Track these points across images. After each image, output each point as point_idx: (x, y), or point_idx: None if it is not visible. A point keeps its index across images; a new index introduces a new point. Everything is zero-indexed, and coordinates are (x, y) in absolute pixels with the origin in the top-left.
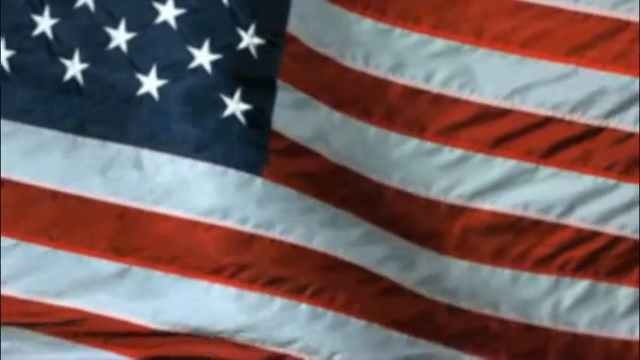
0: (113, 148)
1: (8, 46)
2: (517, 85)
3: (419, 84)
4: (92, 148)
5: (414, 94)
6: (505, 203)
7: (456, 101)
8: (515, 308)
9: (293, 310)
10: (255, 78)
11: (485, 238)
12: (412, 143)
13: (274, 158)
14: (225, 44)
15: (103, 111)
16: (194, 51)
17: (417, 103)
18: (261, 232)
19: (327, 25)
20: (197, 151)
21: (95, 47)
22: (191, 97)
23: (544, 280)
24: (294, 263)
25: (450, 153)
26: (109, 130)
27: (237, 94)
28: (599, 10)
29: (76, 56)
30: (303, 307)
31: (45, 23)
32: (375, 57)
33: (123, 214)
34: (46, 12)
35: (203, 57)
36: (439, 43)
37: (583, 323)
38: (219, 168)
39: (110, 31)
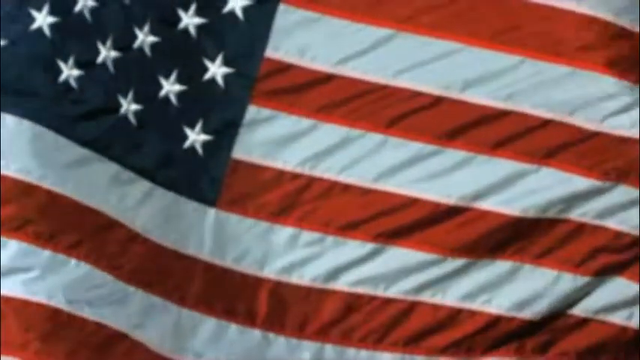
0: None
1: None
2: (516, 88)
3: (418, 87)
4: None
5: (415, 97)
6: (505, 204)
7: (456, 103)
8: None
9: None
10: (221, 107)
11: (484, 237)
12: (413, 147)
13: (231, 186)
14: (190, 75)
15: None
16: (163, 81)
17: (419, 107)
18: (215, 260)
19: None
20: (164, 179)
21: (86, 58)
22: (158, 127)
23: (546, 274)
24: (246, 293)
25: (453, 155)
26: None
27: (199, 125)
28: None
29: (70, 61)
30: (257, 333)
31: (42, 20)
32: (376, 63)
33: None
34: (45, 9)
35: (170, 87)
36: (439, 45)
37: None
38: (174, 196)
39: (100, 46)
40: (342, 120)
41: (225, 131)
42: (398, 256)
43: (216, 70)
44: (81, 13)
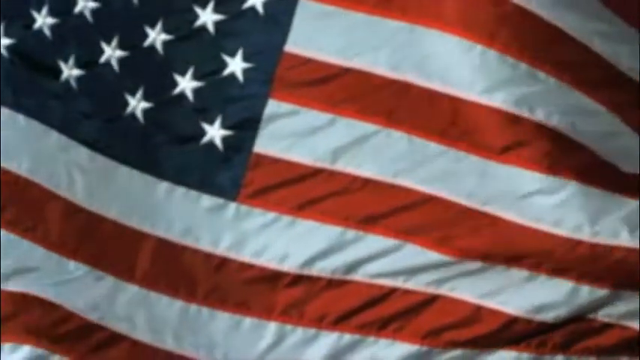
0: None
1: (7, 35)
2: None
3: (437, 87)
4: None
5: (434, 97)
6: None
7: (469, 105)
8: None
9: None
10: (240, 102)
11: (498, 245)
12: (430, 145)
13: (252, 180)
14: (208, 72)
15: (93, 124)
16: (178, 78)
17: (438, 106)
18: (232, 255)
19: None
20: (175, 175)
21: (88, 59)
22: (172, 124)
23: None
24: (263, 287)
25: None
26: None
27: (218, 121)
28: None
29: (71, 61)
30: (272, 325)
31: (42, 21)
32: (397, 62)
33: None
34: (44, 10)
35: (186, 84)
36: (457, 43)
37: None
38: (194, 193)
39: (104, 46)
40: (360, 114)
41: (246, 126)
42: (417, 252)
43: (236, 65)
44: (81, 14)
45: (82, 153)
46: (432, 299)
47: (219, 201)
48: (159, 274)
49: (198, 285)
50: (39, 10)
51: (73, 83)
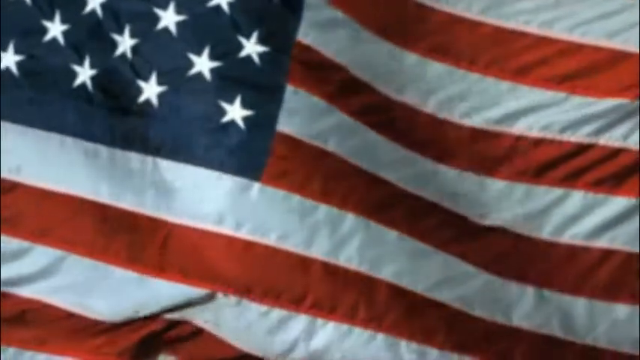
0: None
1: (17, 51)
2: (509, 110)
3: (416, 105)
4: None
5: (414, 114)
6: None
7: (449, 124)
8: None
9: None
10: (259, 84)
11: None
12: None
13: (276, 161)
14: (225, 52)
15: (111, 119)
16: (194, 58)
17: (417, 124)
18: (256, 238)
19: (345, 42)
20: (195, 157)
21: (102, 54)
22: (189, 105)
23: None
24: (291, 272)
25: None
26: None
27: (238, 101)
28: (594, 40)
29: (86, 63)
30: (302, 317)
31: (56, 29)
32: (383, 80)
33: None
34: (57, 18)
35: (203, 64)
36: (436, 67)
37: None
38: (215, 174)
39: (116, 37)
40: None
41: (266, 107)
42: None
43: (252, 48)
44: (93, 11)
45: (99, 150)
46: (457, 314)
47: (243, 181)
48: (181, 262)
49: (221, 271)
50: (52, 20)
51: (89, 84)
